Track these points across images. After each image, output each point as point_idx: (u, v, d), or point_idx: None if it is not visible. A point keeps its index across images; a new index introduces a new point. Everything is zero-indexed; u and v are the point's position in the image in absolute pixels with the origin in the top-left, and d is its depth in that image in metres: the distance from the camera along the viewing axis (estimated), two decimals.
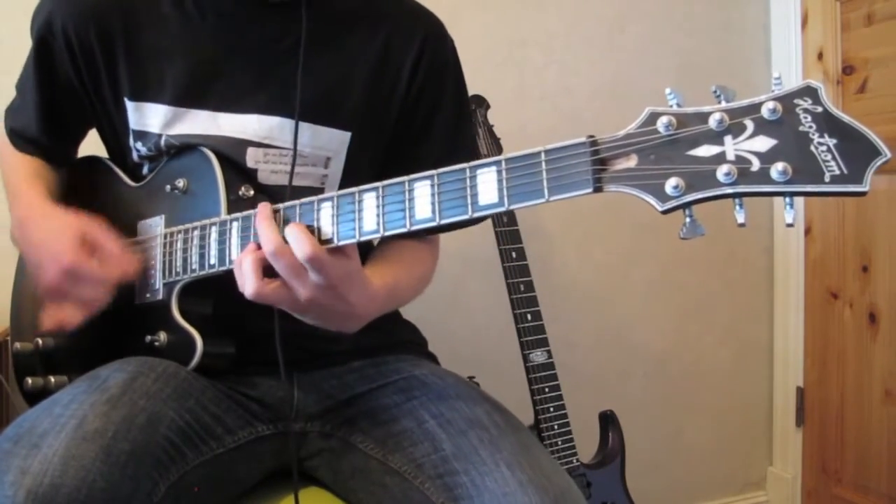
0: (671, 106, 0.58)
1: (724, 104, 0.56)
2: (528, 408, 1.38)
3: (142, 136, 0.91)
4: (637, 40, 1.83)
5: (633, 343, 1.90)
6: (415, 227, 0.66)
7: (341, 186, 0.93)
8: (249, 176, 0.89)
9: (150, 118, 0.90)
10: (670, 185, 0.56)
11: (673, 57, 1.86)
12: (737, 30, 1.93)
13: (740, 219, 0.56)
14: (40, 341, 0.94)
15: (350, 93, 0.92)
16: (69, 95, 0.94)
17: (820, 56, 1.83)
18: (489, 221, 1.44)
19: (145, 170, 0.94)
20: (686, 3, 1.88)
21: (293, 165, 0.88)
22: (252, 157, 0.89)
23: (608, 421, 1.53)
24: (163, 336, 0.85)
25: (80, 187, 0.99)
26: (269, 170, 0.90)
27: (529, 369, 1.38)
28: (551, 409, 1.38)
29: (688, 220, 0.57)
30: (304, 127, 0.89)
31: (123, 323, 0.89)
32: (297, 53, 0.88)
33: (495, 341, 1.61)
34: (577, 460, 1.40)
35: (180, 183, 0.87)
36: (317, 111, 0.90)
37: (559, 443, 1.38)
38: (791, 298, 1.96)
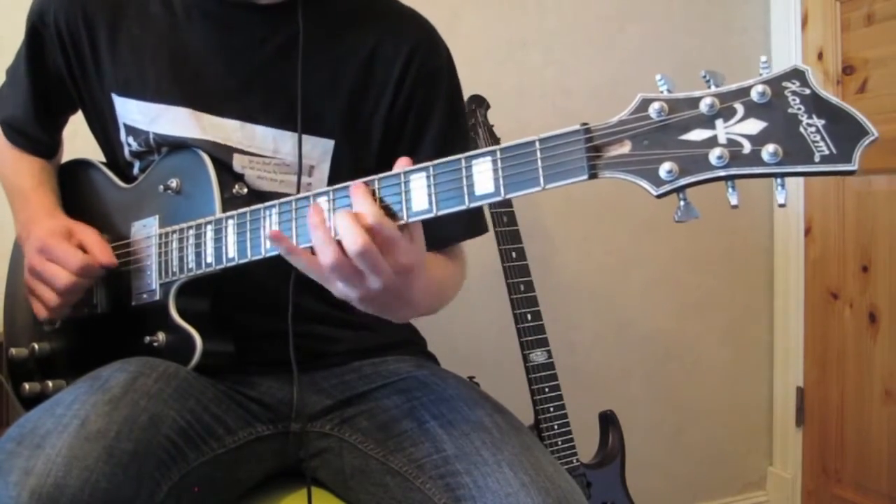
0: (662, 92, 0.58)
1: (713, 89, 0.56)
2: (528, 408, 1.38)
3: (133, 131, 0.91)
4: (637, 40, 1.83)
5: (633, 343, 1.89)
6: (412, 219, 0.66)
7: None
8: (239, 176, 0.89)
9: (136, 114, 0.90)
10: (664, 169, 0.56)
11: (673, 57, 1.86)
12: (737, 30, 1.93)
13: (733, 201, 0.57)
14: (36, 346, 0.93)
15: (334, 101, 0.91)
16: (58, 86, 0.95)
17: (820, 56, 1.83)
18: (489, 222, 1.44)
19: (135, 169, 0.94)
20: (686, 3, 1.88)
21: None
22: (238, 163, 0.89)
23: (608, 421, 1.53)
24: (161, 336, 0.84)
25: (71, 190, 0.99)
26: (256, 175, 0.90)
27: (529, 369, 1.38)
28: (551, 409, 1.38)
29: (682, 203, 0.58)
30: (287, 136, 0.89)
31: (120, 325, 0.89)
32: (281, 58, 0.88)
33: (495, 341, 1.61)
34: (577, 460, 1.40)
35: (173, 183, 0.87)
36: (301, 120, 0.88)
37: (559, 443, 1.38)
38: (791, 298, 1.96)
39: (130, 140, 0.92)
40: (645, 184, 0.57)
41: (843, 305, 1.83)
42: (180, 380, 0.80)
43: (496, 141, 1.48)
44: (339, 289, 0.69)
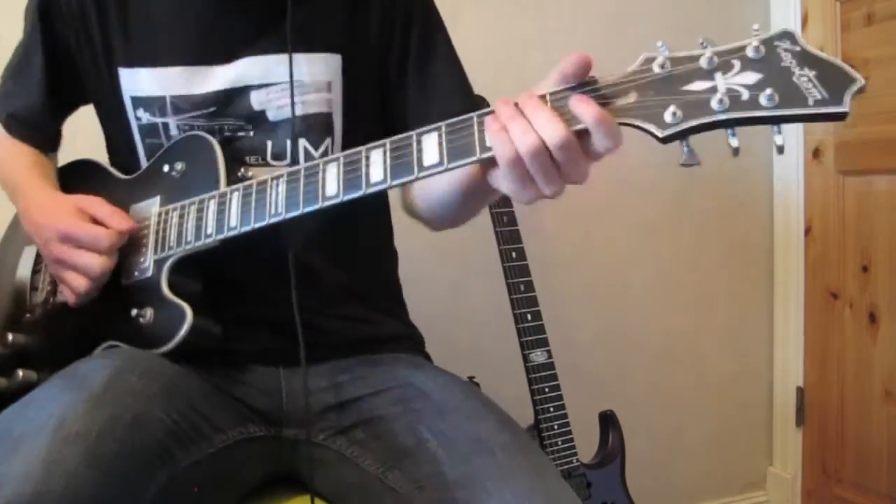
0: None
1: (711, 48, 0.61)
2: (528, 408, 1.38)
3: (143, 101, 0.91)
4: (637, 40, 1.83)
5: (633, 343, 1.90)
6: (423, 174, 0.69)
7: (346, 109, 0.94)
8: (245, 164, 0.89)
9: (147, 82, 0.90)
10: (669, 112, 0.60)
11: None
12: (737, 30, 1.92)
13: (734, 143, 0.60)
14: (10, 336, 0.92)
15: (331, 18, 0.93)
16: (68, 65, 0.94)
17: None
18: (489, 222, 1.44)
19: (141, 154, 0.93)
20: (686, 3, 1.88)
21: (292, 99, 0.89)
22: (257, 100, 0.90)
23: (608, 421, 1.53)
24: (149, 312, 0.83)
25: (75, 184, 0.98)
26: (276, 106, 0.91)
27: (529, 369, 1.38)
28: (551, 409, 1.38)
29: (685, 148, 0.61)
30: (297, 58, 0.90)
31: (108, 304, 0.87)
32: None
33: (495, 341, 1.61)
34: (577, 460, 1.40)
35: (179, 166, 0.87)
36: (306, 40, 0.90)
37: (559, 443, 1.38)
38: (791, 298, 1.96)
39: (140, 112, 0.92)
40: (651, 127, 0.61)
41: (843, 305, 1.83)
42: (166, 378, 0.78)
43: None
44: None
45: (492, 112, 0.66)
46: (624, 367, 1.89)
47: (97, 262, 0.82)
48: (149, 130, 0.92)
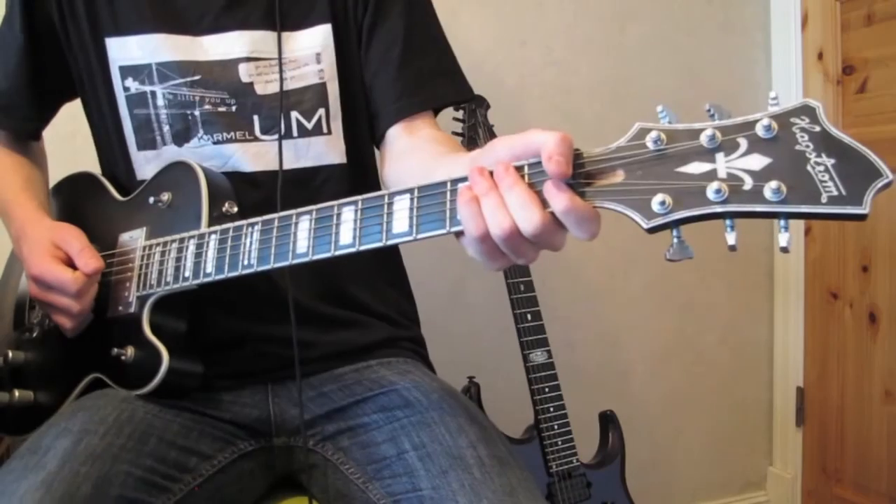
0: (662, 123, 0.55)
1: (716, 121, 0.53)
2: (528, 408, 1.38)
3: (132, 70, 0.91)
4: (637, 40, 1.83)
5: (633, 343, 1.90)
6: (391, 241, 0.65)
7: (342, 76, 0.93)
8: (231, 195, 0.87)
9: (135, 50, 0.90)
10: (657, 201, 0.53)
11: (673, 57, 1.86)
12: (737, 30, 1.93)
13: (731, 240, 0.53)
14: (10, 354, 0.92)
15: None
16: (52, 48, 0.93)
17: (820, 56, 1.83)
18: None
19: (129, 133, 0.92)
20: (686, 3, 1.88)
21: (281, 75, 0.89)
22: (245, 72, 0.90)
23: (608, 421, 1.53)
24: (130, 350, 0.82)
25: (69, 203, 0.98)
26: (264, 81, 0.91)
27: (529, 369, 1.38)
28: (551, 409, 1.38)
29: (675, 240, 0.55)
30: (285, 36, 0.91)
31: (95, 335, 0.86)
32: None
33: (495, 341, 1.61)
34: (577, 460, 1.40)
35: (165, 196, 0.86)
36: (293, 19, 0.91)
37: (559, 443, 1.38)
38: (791, 298, 1.96)
39: (129, 82, 0.91)
40: (635, 215, 0.54)
41: (843, 305, 1.83)
42: (136, 423, 0.77)
43: None
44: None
45: (465, 180, 0.60)
46: (624, 367, 1.89)
47: (70, 304, 0.82)
48: (137, 101, 0.91)
